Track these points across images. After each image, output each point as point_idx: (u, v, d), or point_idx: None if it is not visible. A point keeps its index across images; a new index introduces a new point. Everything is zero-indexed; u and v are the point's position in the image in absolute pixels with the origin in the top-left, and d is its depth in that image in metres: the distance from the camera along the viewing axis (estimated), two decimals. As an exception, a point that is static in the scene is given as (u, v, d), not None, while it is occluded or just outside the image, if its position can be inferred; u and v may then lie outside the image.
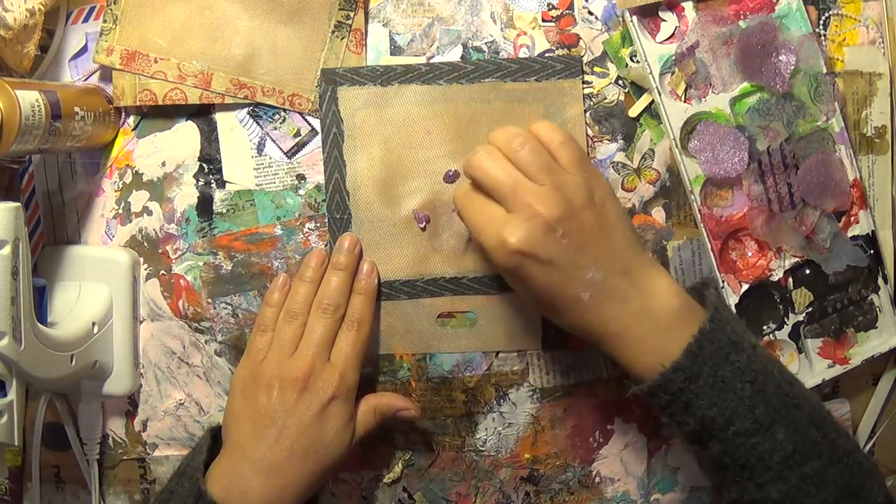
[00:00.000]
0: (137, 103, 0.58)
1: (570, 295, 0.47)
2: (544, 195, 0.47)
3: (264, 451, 0.51)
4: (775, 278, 0.58)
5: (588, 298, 0.47)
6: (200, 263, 0.60)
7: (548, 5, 0.58)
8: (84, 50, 0.59)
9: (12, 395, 0.49)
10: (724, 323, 0.48)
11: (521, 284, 0.48)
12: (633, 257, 0.49)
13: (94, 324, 0.56)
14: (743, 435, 0.47)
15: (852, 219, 0.58)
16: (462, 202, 0.50)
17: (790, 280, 0.59)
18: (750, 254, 0.59)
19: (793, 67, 0.56)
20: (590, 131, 0.58)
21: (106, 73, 0.58)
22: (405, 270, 0.59)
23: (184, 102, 0.57)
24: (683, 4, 0.57)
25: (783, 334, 0.59)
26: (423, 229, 0.58)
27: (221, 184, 0.59)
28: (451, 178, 0.57)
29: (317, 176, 0.59)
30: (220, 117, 0.59)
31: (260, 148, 0.59)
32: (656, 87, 0.56)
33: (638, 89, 0.58)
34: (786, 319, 0.59)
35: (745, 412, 0.46)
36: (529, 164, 0.48)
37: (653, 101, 0.57)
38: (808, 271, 0.59)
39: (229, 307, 0.60)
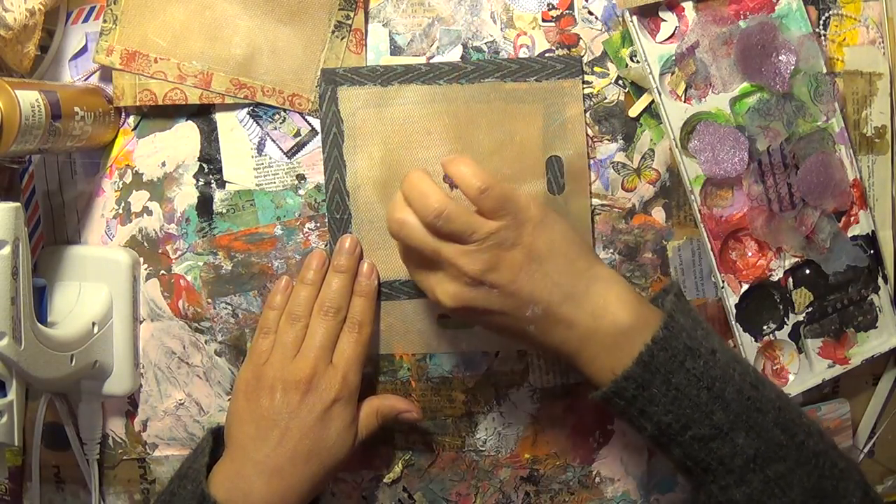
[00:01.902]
0: (137, 103, 0.58)
1: (517, 331, 0.49)
2: (466, 253, 0.47)
3: (267, 453, 0.51)
4: (775, 278, 0.58)
5: (534, 330, 0.49)
6: (200, 263, 0.60)
7: (548, 5, 0.58)
8: (84, 50, 0.58)
9: (12, 395, 0.49)
10: (678, 330, 0.48)
11: (476, 325, 0.51)
12: (575, 281, 0.49)
13: (94, 324, 0.56)
14: (701, 440, 0.47)
15: (852, 219, 0.58)
16: (404, 261, 0.52)
17: (790, 280, 0.59)
18: (750, 254, 0.59)
19: (793, 67, 0.56)
20: (590, 131, 0.58)
21: (106, 73, 0.58)
22: (405, 270, 0.58)
23: (184, 102, 0.57)
24: (683, 4, 0.57)
25: (783, 334, 0.59)
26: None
27: (221, 184, 0.59)
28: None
29: (317, 176, 0.59)
30: (220, 117, 0.59)
31: (260, 148, 0.59)
32: (656, 87, 0.56)
33: (638, 89, 0.58)
34: (786, 319, 0.59)
35: (701, 418, 0.47)
36: (449, 233, 0.47)
37: (653, 101, 0.57)
38: (808, 271, 0.59)
39: (229, 307, 0.60)
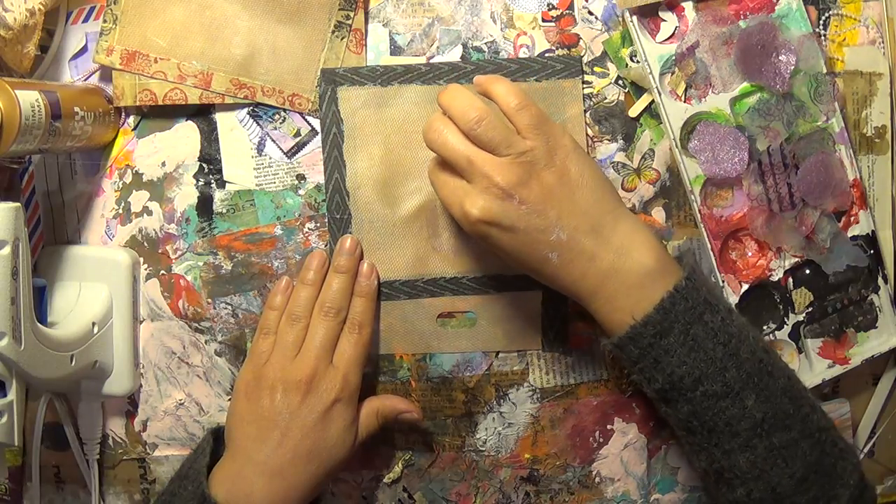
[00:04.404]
0: (137, 103, 0.58)
1: (538, 257, 0.48)
2: (500, 164, 0.47)
3: (268, 454, 0.51)
4: (775, 278, 0.58)
5: (556, 259, 0.48)
6: (200, 263, 0.60)
7: (548, 5, 0.58)
8: (84, 50, 0.58)
9: (12, 395, 0.49)
10: (700, 283, 0.48)
11: (494, 250, 0.49)
12: (602, 215, 0.49)
13: (94, 324, 0.56)
14: (712, 397, 0.47)
15: (852, 219, 0.58)
16: (432, 177, 0.52)
17: (790, 280, 0.59)
18: (750, 254, 0.59)
19: (793, 67, 0.56)
20: (590, 131, 0.58)
21: (106, 73, 0.58)
22: (405, 270, 0.59)
23: (184, 102, 0.57)
24: (683, 4, 0.57)
25: (783, 334, 0.59)
26: None
27: (221, 184, 0.59)
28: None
29: (317, 176, 0.59)
30: (220, 117, 0.59)
31: (260, 148, 0.59)
32: (656, 87, 0.56)
33: (638, 89, 0.58)
34: (786, 319, 0.59)
35: (715, 374, 0.47)
36: (487, 141, 0.47)
37: (653, 101, 0.57)
38: (808, 271, 0.59)
39: (229, 307, 0.60)
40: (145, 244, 0.60)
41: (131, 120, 0.59)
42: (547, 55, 0.58)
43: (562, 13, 0.58)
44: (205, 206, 0.59)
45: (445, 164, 0.50)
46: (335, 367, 0.54)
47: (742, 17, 0.56)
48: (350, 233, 0.58)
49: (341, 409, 0.53)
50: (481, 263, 0.59)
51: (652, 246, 0.49)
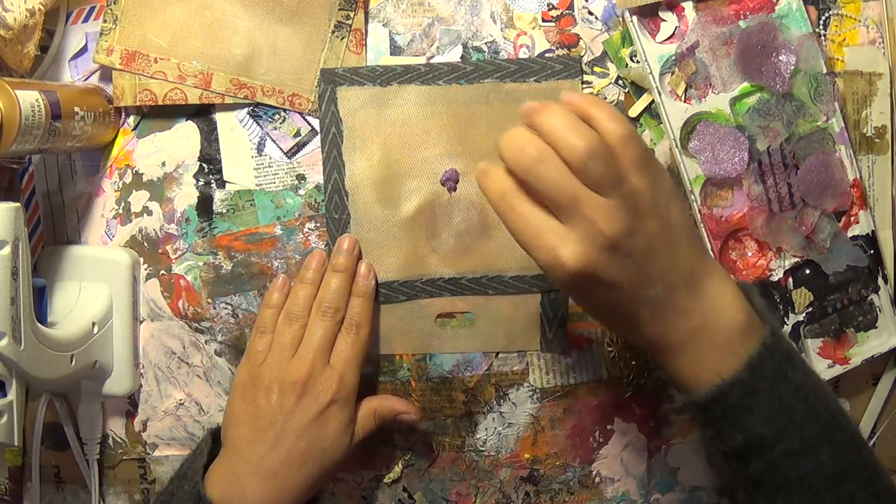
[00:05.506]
0: (137, 103, 0.58)
1: (631, 313, 0.43)
2: (607, 208, 0.40)
3: (262, 455, 0.51)
4: (775, 278, 0.58)
5: (646, 315, 0.43)
6: (200, 263, 0.60)
7: (548, 5, 0.58)
8: (84, 50, 0.59)
9: (12, 395, 0.49)
10: (780, 336, 0.45)
11: (578, 302, 0.46)
12: (696, 266, 0.44)
13: (94, 324, 0.56)
14: (790, 455, 0.44)
15: (852, 219, 0.58)
16: (504, 205, 0.42)
17: (790, 280, 0.59)
18: (750, 254, 0.59)
19: (793, 67, 0.56)
20: (590, 131, 0.58)
21: (106, 73, 0.58)
22: (404, 271, 0.59)
23: (184, 102, 0.57)
24: (683, 4, 0.57)
25: (783, 334, 0.59)
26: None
27: (221, 184, 0.59)
28: (446, 179, 0.57)
29: (317, 176, 0.59)
30: (220, 117, 0.59)
31: (260, 148, 0.59)
32: (656, 87, 0.56)
33: (638, 89, 0.58)
34: (786, 319, 0.59)
35: (794, 431, 0.44)
36: (597, 178, 0.40)
37: (653, 101, 0.57)
38: (808, 271, 0.59)
39: (229, 307, 0.60)
40: (145, 244, 0.60)
41: (131, 120, 0.59)
42: (547, 55, 0.58)
43: (562, 13, 0.58)
44: (205, 206, 0.59)
45: (522, 190, 0.42)
46: (332, 367, 0.54)
47: (742, 17, 0.56)
48: (349, 233, 0.58)
49: (337, 411, 0.53)
50: (480, 264, 0.58)
51: (740, 299, 0.45)
